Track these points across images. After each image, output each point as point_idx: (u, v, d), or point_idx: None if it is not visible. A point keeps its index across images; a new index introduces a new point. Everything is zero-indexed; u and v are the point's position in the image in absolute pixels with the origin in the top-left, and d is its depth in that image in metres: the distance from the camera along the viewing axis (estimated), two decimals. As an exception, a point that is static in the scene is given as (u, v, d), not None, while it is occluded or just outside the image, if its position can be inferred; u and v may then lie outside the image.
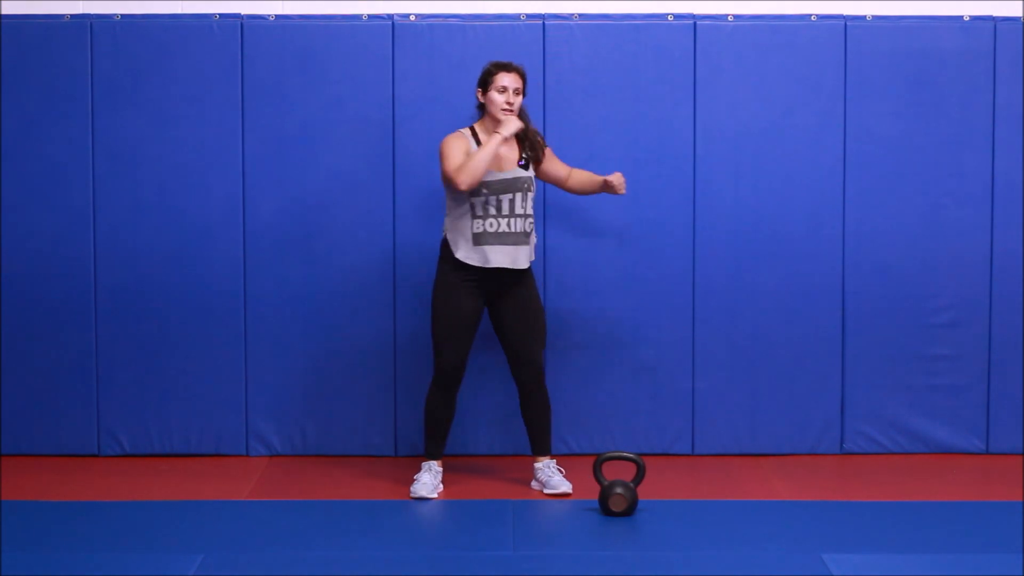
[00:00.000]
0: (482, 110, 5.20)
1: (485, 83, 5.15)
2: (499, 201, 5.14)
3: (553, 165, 5.35)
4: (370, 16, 5.73)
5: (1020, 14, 5.80)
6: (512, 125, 5.11)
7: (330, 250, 5.77)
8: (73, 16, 5.71)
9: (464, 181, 5.05)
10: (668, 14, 5.74)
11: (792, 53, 5.75)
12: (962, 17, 5.77)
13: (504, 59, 5.22)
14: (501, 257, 5.13)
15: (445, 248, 5.21)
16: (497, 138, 5.08)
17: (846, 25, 5.75)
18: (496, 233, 5.14)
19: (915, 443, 5.88)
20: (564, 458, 5.59)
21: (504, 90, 5.11)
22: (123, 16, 5.71)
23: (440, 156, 5.14)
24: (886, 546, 4.52)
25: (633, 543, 4.61)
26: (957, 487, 5.44)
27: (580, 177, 5.38)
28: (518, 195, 5.15)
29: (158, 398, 5.81)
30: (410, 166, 5.73)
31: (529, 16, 5.73)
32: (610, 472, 5.17)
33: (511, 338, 5.24)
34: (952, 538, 4.63)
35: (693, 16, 5.74)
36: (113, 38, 5.69)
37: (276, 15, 5.74)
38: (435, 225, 5.71)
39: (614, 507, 4.88)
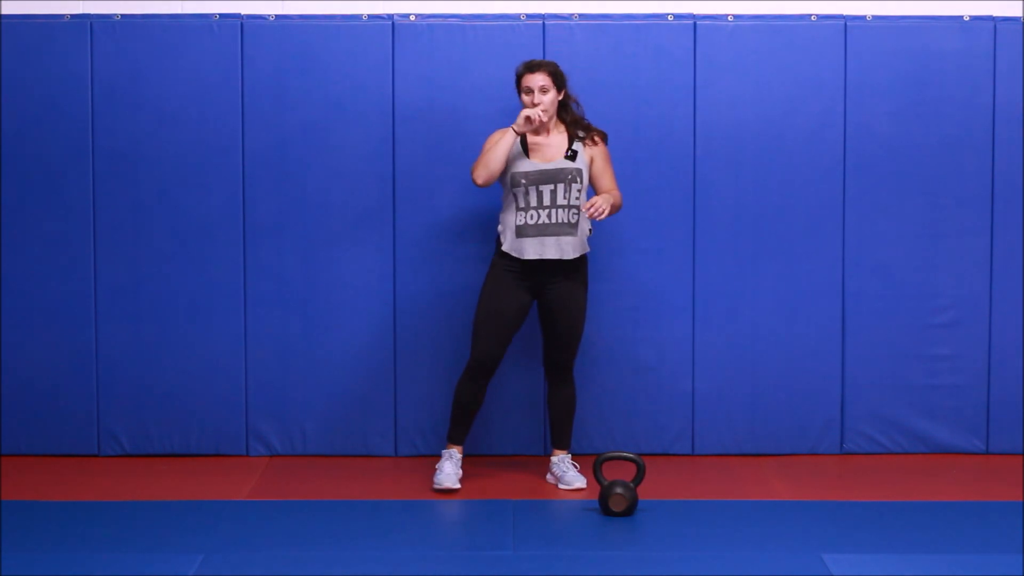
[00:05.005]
0: None
1: (517, 87, 5.20)
2: (540, 192, 5.12)
3: (599, 177, 5.24)
4: (370, 16, 5.73)
5: (1020, 14, 5.79)
6: (521, 118, 5.08)
7: (330, 250, 5.77)
8: (73, 16, 5.71)
9: (479, 176, 5.12)
10: (668, 14, 5.73)
11: (792, 53, 5.74)
12: (962, 17, 5.76)
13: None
14: (543, 249, 5.13)
15: (498, 239, 5.24)
16: (510, 134, 5.10)
17: (846, 25, 5.75)
18: (536, 225, 5.13)
19: (915, 443, 5.88)
20: (564, 458, 5.60)
21: (529, 92, 5.15)
22: (123, 16, 5.71)
23: None
24: (886, 546, 4.52)
25: (633, 543, 4.61)
26: (957, 487, 5.44)
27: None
28: (560, 186, 5.13)
29: (158, 398, 5.81)
30: (410, 166, 5.73)
31: (529, 16, 5.72)
32: (610, 472, 5.17)
33: (552, 333, 5.28)
34: (952, 538, 4.63)
35: (693, 16, 5.73)
36: (113, 38, 5.69)
37: (276, 15, 5.73)
38: (435, 225, 5.71)
39: (614, 507, 4.88)
